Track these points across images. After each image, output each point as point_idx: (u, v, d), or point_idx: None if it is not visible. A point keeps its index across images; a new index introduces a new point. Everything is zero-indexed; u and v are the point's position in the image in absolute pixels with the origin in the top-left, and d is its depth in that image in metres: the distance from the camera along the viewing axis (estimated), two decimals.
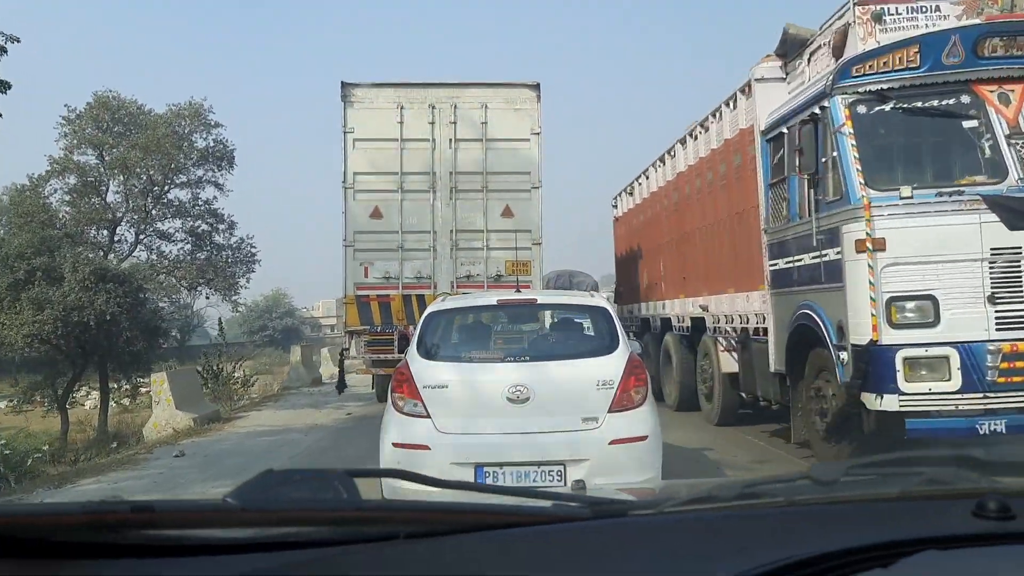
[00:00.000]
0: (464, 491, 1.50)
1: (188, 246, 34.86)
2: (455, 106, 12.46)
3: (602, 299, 6.94)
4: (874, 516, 1.40)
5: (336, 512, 1.27)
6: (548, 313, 7.35)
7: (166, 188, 33.18)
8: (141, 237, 33.20)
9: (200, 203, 34.38)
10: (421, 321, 6.34)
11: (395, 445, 5.59)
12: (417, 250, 12.41)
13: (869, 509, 1.46)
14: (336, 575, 1.20)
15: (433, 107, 12.44)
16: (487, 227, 12.38)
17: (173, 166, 31.83)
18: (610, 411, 5.59)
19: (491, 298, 7.41)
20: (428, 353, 5.99)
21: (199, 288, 34.47)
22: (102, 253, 29.22)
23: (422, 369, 5.80)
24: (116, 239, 33.59)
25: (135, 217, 33.33)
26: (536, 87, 12.53)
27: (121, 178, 31.83)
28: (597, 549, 1.28)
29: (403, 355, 11.81)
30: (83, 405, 19.36)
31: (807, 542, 1.24)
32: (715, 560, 1.22)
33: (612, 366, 5.75)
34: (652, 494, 2.13)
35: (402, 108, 12.41)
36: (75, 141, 31.54)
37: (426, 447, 5.42)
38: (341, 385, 13.39)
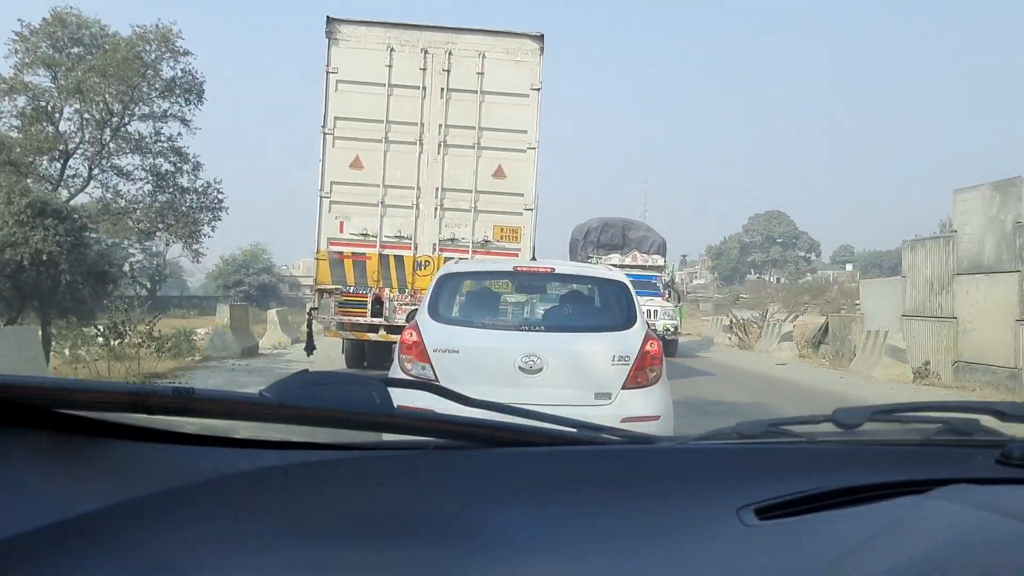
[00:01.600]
0: (495, 412, 1.54)
1: (148, 186, 34.16)
2: (450, 52, 12.13)
3: (619, 273, 7.08)
4: (896, 459, 1.48)
5: (370, 417, 1.35)
6: (564, 284, 7.37)
7: (126, 120, 32.50)
8: (95, 172, 32.73)
9: (163, 139, 33.67)
10: (433, 283, 6.39)
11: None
12: (399, 207, 12.15)
13: (891, 452, 1.55)
14: (364, 477, 1.27)
15: (426, 52, 12.11)
16: (476, 187, 12.14)
17: (134, 95, 31.37)
18: (624, 388, 5.70)
19: (507, 264, 7.57)
20: (440, 316, 6.08)
21: (158, 233, 34.14)
22: (51, 186, 28.66)
23: (433, 332, 5.86)
24: (69, 173, 32.71)
25: (90, 150, 32.49)
26: (540, 38, 12.21)
27: (77, 105, 31.12)
28: (625, 471, 1.38)
29: (377, 320, 11.94)
30: None
31: (825, 479, 1.32)
32: (735, 489, 1.30)
33: (629, 342, 5.84)
34: (675, 436, 2.31)
35: (392, 50, 12.07)
36: (27, 60, 30.76)
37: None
38: (310, 347, 13.16)
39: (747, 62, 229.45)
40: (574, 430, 1.53)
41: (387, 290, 12.11)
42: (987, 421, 1.59)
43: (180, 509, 1.12)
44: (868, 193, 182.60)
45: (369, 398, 1.34)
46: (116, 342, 14.51)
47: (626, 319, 6.12)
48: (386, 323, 12.11)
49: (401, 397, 1.37)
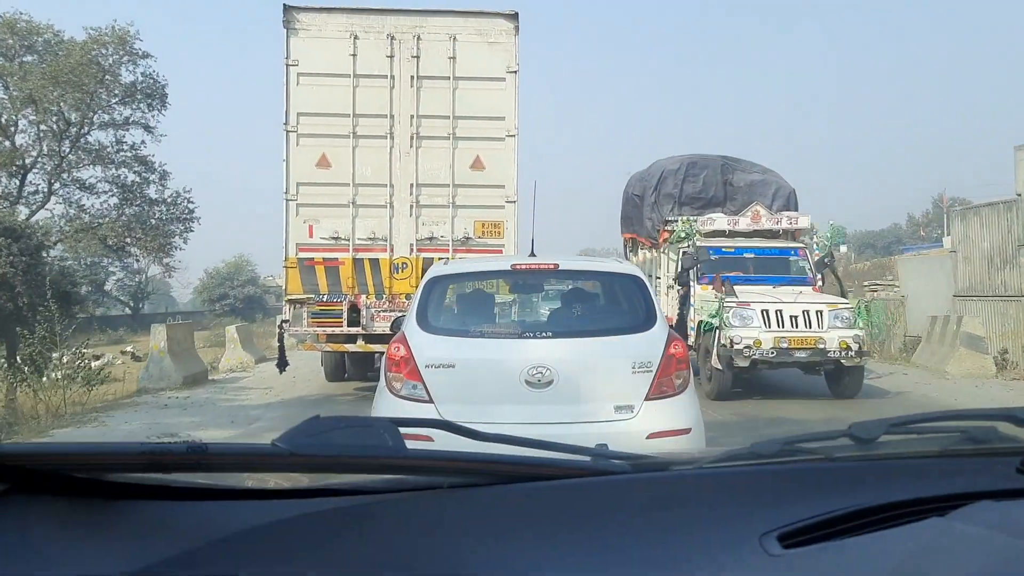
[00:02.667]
0: (505, 444, 1.58)
1: (114, 199, 33.89)
2: (418, 37, 11.68)
3: (633, 266, 6.58)
4: (915, 473, 1.51)
5: (382, 460, 1.38)
6: (571, 281, 6.89)
7: (84, 129, 32.17)
8: (56, 187, 32.39)
9: (125, 148, 33.37)
10: (420, 287, 5.88)
11: None
12: (371, 206, 11.69)
13: (909, 466, 1.57)
14: (381, 522, 1.32)
15: (392, 38, 11.66)
16: (454, 181, 11.70)
17: (92, 103, 31.03)
18: (647, 399, 5.24)
19: (503, 262, 7.10)
20: (430, 326, 5.58)
21: (127, 248, 33.53)
22: (8, 204, 28.21)
23: (423, 345, 5.38)
24: (30, 189, 32.53)
25: (49, 163, 32.15)
26: (514, 17, 11.76)
27: (30, 114, 30.63)
28: (637, 502, 1.40)
29: (355, 329, 11.48)
30: None
31: (846, 497, 1.35)
32: (754, 514, 1.32)
33: (650, 345, 5.39)
34: (690, 456, 2.30)
35: (356, 38, 11.60)
36: None
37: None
38: (282, 363, 12.68)
39: (731, 42, 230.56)
40: (587, 459, 1.56)
41: (363, 297, 11.65)
42: (1006, 428, 1.60)
43: (197, 573, 1.15)
44: (856, 171, 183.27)
45: (381, 440, 1.39)
46: (28, 376, 12.20)
47: (645, 319, 5.61)
48: (364, 332, 11.65)
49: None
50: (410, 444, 1.40)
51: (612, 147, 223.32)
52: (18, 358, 12.68)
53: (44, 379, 12.30)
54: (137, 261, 42.31)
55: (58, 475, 1.26)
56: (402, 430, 1.39)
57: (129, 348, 28.38)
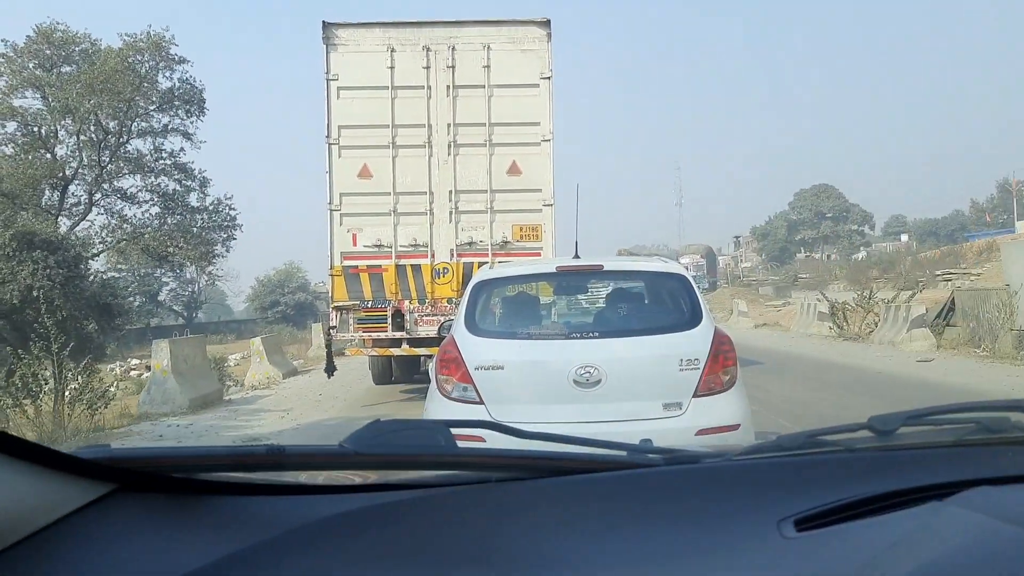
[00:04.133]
0: (549, 442, 1.75)
1: (156, 208, 34.57)
2: (453, 48, 12.40)
3: (678, 265, 6.75)
4: (929, 462, 1.64)
5: (437, 457, 1.58)
6: (616, 282, 7.10)
7: (123, 138, 32.85)
8: (96, 197, 33.16)
9: (164, 155, 33.93)
10: (468, 292, 6.15)
11: None
12: (412, 214, 12.42)
13: (924, 455, 1.70)
14: (436, 512, 1.49)
15: (428, 49, 12.39)
16: (491, 186, 12.40)
17: (130, 110, 31.67)
18: (696, 395, 5.42)
19: (549, 265, 7.28)
20: (478, 329, 5.83)
21: (168, 257, 34.15)
22: (51, 217, 28.87)
23: (472, 347, 5.62)
24: (72, 201, 33.24)
25: (89, 174, 32.80)
26: (546, 24, 12.44)
27: (69, 124, 31.31)
28: (669, 493, 1.55)
29: (399, 333, 12.23)
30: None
31: (861, 486, 1.48)
32: (776, 501, 1.47)
33: (697, 342, 5.57)
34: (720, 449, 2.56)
35: (393, 51, 12.36)
36: (14, 82, 31.05)
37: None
38: (330, 368, 13.49)
39: (781, 31, 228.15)
40: (624, 453, 1.72)
41: (406, 302, 12.40)
42: (1019, 418, 1.76)
43: (277, 558, 1.32)
44: (918, 159, 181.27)
45: (435, 440, 1.58)
46: (24, 402, 11.16)
47: (691, 317, 5.79)
48: (408, 336, 12.39)
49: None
50: (461, 444, 1.61)
51: (648, 145, 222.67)
52: (17, 378, 11.36)
53: (35, 402, 11.19)
54: (180, 271, 43.17)
55: (157, 475, 1.46)
56: (453, 431, 1.59)
57: None
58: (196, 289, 62.61)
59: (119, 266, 41.24)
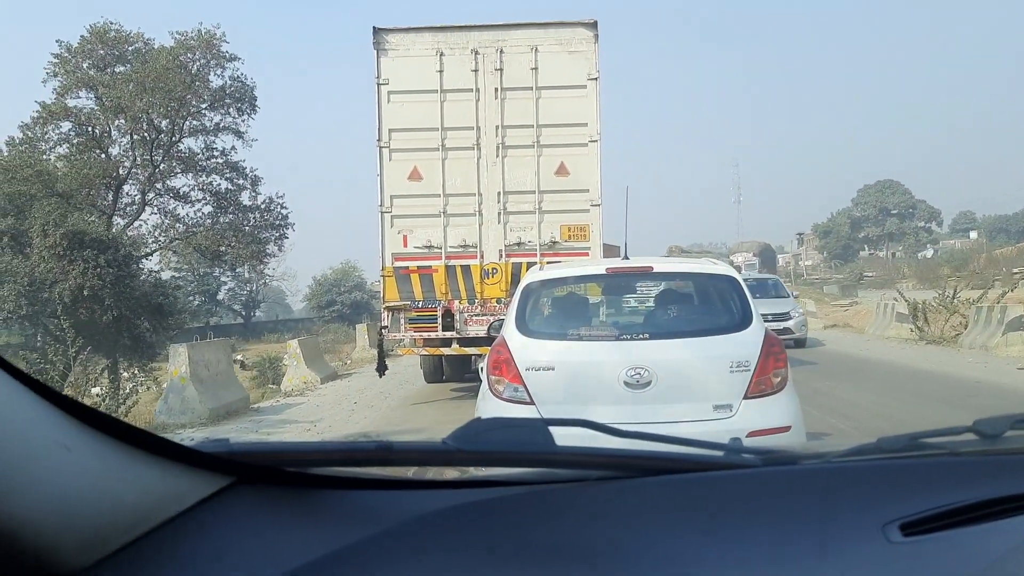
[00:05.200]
0: (645, 440, 1.79)
1: (208, 207, 34.96)
2: (501, 51, 12.80)
3: (728, 267, 6.85)
4: None
5: (536, 455, 1.60)
6: (666, 283, 7.24)
7: (175, 136, 33.43)
8: (149, 196, 33.73)
9: (216, 154, 34.41)
10: (518, 293, 6.30)
11: None
12: (461, 215, 12.85)
13: None
14: (537, 508, 1.54)
15: (476, 53, 12.80)
16: (539, 187, 12.77)
17: (181, 109, 32.07)
18: (746, 397, 5.53)
19: (598, 266, 7.42)
20: (529, 330, 5.98)
21: (220, 256, 34.59)
22: (105, 216, 29.39)
23: (523, 348, 5.77)
24: (126, 201, 33.69)
25: (142, 173, 33.28)
26: (593, 25, 12.77)
27: (120, 123, 31.90)
28: (769, 494, 1.57)
29: (449, 333, 12.67)
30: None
31: (967, 491, 1.48)
32: (879, 505, 1.47)
33: (747, 344, 5.69)
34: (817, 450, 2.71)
35: (441, 55, 12.80)
36: (68, 82, 31.73)
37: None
38: (381, 367, 13.96)
39: (843, 21, 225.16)
40: (720, 453, 1.74)
41: (456, 302, 12.83)
42: None
43: (387, 550, 1.39)
44: (986, 153, 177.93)
45: (533, 437, 1.58)
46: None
47: (741, 319, 5.93)
48: (458, 336, 12.81)
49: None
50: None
51: (708, 142, 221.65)
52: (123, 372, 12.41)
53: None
54: (233, 270, 43.76)
55: (273, 468, 1.52)
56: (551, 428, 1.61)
57: (239, 357, 29.66)
58: (253, 288, 63.86)
59: (177, 265, 42.03)
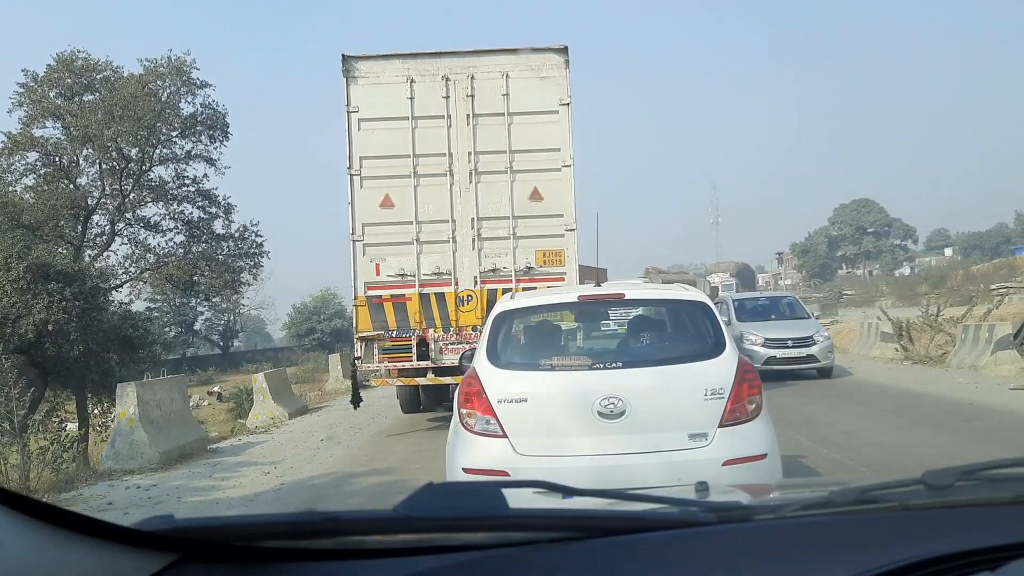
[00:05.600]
0: (598, 499, 1.84)
1: (180, 236, 34.19)
2: (472, 77, 12.87)
3: (700, 293, 6.82)
4: (987, 520, 1.65)
5: (489, 520, 1.60)
6: (638, 310, 7.27)
7: (145, 165, 32.77)
8: (119, 227, 33.09)
9: (187, 182, 33.68)
10: (489, 323, 6.26)
11: (466, 471, 5.58)
12: (435, 242, 12.84)
13: (982, 514, 1.71)
14: (491, 574, 1.56)
15: (447, 79, 12.87)
16: (513, 213, 12.81)
17: (151, 137, 31.33)
18: (721, 425, 5.51)
19: (570, 294, 7.35)
20: (500, 360, 5.94)
21: (196, 287, 34.22)
22: (73, 248, 29.08)
23: (494, 380, 5.74)
24: (96, 232, 32.90)
25: (111, 203, 32.70)
26: (564, 51, 12.88)
27: (88, 152, 31.26)
28: (721, 553, 1.58)
29: (424, 363, 12.61)
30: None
31: (921, 545, 1.49)
32: (834, 563, 1.49)
33: (721, 371, 5.68)
34: (768, 492, 2.68)
35: (412, 82, 12.86)
36: (35, 112, 31.04)
37: (504, 472, 5.33)
38: (356, 399, 13.84)
39: (817, 44, 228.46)
40: (675, 510, 1.78)
41: (431, 330, 12.79)
42: None
43: None
44: (959, 171, 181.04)
45: (486, 502, 1.59)
46: None
47: (714, 345, 5.91)
48: (433, 365, 12.77)
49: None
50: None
51: (686, 164, 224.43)
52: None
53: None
54: (207, 300, 43.40)
55: (221, 544, 1.51)
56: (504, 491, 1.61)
57: (216, 388, 29.16)
58: (231, 318, 63.59)
59: (152, 296, 41.60)
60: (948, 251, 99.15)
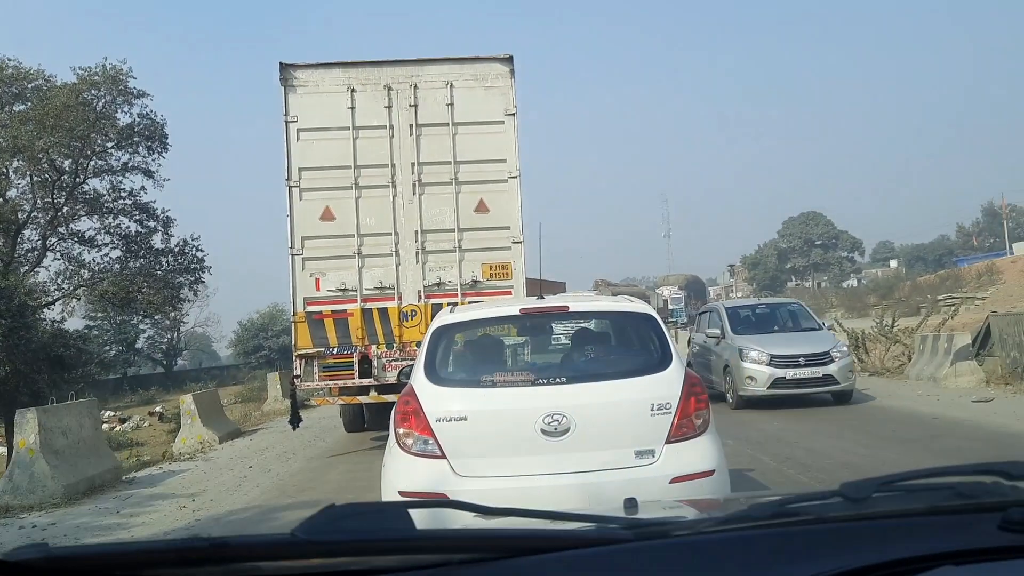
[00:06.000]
0: (512, 517, 1.78)
1: (116, 252, 33.71)
2: (415, 86, 12.70)
3: (646, 305, 6.70)
4: (902, 531, 1.65)
5: (394, 542, 1.55)
6: (582, 323, 7.11)
7: (79, 177, 32.34)
8: (51, 241, 32.63)
9: (123, 194, 33.31)
10: (427, 337, 6.12)
11: (403, 494, 5.39)
12: (377, 256, 12.61)
13: (897, 524, 1.71)
14: None
15: (390, 88, 12.69)
16: (459, 225, 12.63)
17: (85, 148, 31.03)
18: (668, 441, 5.43)
19: (512, 307, 7.19)
20: (439, 377, 5.79)
21: (133, 304, 33.49)
22: (1, 264, 28.31)
23: (433, 397, 5.59)
24: (28, 247, 32.44)
25: (43, 217, 32.31)
26: (509, 60, 12.78)
27: (18, 164, 30.68)
28: (637, 571, 1.55)
29: (366, 380, 12.33)
30: None
31: (838, 558, 1.50)
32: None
33: (667, 386, 5.59)
34: (710, 507, 2.65)
35: (353, 91, 12.65)
36: None
37: (442, 495, 5.18)
38: (295, 419, 13.55)
39: (764, 57, 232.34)
40: (592, 527, 1.74)
41: (374, 347, 12.52)
42: (995, 481, 1.80)
43: None
44: (902, 185, 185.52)
45: (391, 523, 1.56)
46: None
47: (660, 359, 5.81)
48: (376, 383, 12.50)
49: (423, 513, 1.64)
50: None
51: (639, 178, 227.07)
52: None
53: None
54: (145, 317, 42.61)
55: (98, 575, 1.44)
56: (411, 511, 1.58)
57: (158, 408, 28.55)
58: (174, 336, 62.65)
59: (93, 314, 40.66)
60: (893, 263, 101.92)
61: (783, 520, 1.73)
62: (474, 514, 1.81)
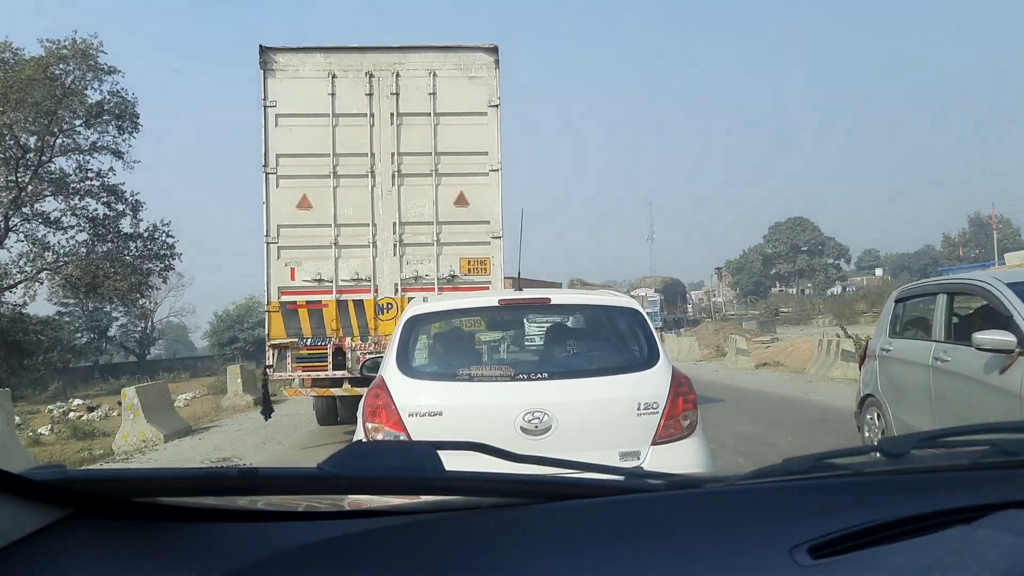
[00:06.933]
0: (544, 465, 1.78)
1: (83, 235, 33.35)
2: (397, 74, 12.75)
3: (631, 299, 6.60)
4: (946, 485, 1.66)
5: (423, 481, 1.55)
6: (565, 317, 7.04)
7: (45, 155, 31.97)
8: (14, 222, 31.99)
9: (91, 175, 33.14)
10: (399, 328, 5.97)
11: None
12: (354, 247, 12.68)
13: (940, 479, 1.72)
14: (424, 540, 1.47)
15: (371, 76, 12.73)
16: (438, 218, 12.71)
17: (52, 125, 30.80)
18: (654, 443, 5.35)
19: (490, 298, 6.97)
20: (411, 369, 5.66)
21: (99, 289, 32.91)
22: None
23: (405, 391, 5.46)
24: None
25: (5, 196, 31.49)
26: (494, 50, 12.82)
27: None
28: (672, 518, 1.55)
29: (340, 372, 12.37)
30: None
31: (874, 511, 1.50)
32: (785, 528, 1.48)
33: (655, 384, 5.50)
34: (722, 474, 2.67)
35: (334, 77, 12.69)
36: None
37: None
38: (267, 411, 13.60)
39: (755, 62, 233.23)
40: (621, 478, 1.76)
41: (348, 339, 12.61)
42: None
43: None
44: (888, 193, 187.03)
45: (420, 463, 1.52)
46: None
47: (647, 356, 5.73)
48: (350, 375, 12.56)
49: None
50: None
51: (624, 181, 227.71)
52: None
53: None
54: (111, 302, 42.25)
55: (119, 500, 1.41)
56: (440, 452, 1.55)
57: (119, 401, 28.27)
58: (147, 325, 62.49)
59: (64, 300, 40.22)
60: (879, 271, 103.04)
61: (820, 474, 1.72)
62: (504, 461, 1.79)
